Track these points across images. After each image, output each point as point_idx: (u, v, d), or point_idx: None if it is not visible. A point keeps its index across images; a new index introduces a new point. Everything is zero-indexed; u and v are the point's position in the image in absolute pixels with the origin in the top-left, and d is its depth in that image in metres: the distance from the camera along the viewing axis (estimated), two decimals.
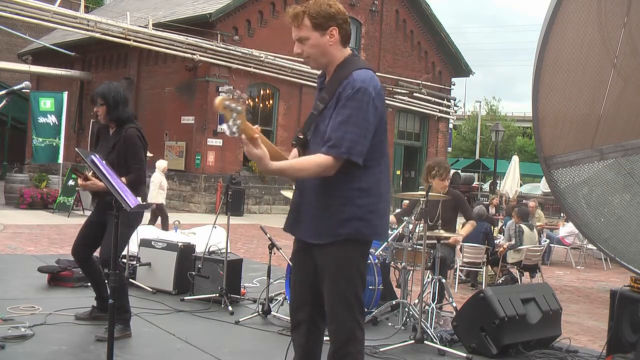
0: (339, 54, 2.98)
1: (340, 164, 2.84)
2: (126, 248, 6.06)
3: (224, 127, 2.61)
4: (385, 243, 6.15)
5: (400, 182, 24.96)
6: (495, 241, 9.84)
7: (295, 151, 3.06)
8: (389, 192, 3.07)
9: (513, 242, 9.33)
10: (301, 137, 3.05)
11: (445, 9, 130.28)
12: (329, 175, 2.86)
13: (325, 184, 2.92)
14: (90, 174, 4.70)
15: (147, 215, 12.15)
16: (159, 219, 12.17)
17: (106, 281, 4.63)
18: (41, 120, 16.00)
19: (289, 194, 5.14)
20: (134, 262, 6.72)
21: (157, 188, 12.28)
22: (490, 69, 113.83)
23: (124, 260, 6.46)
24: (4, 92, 4.44)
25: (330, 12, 2.91)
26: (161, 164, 12.73)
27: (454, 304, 5.95)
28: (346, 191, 2.91)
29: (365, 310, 5.80)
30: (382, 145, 2.98)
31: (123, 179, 4.72)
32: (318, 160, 2.84)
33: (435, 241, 5.77)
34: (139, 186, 4.90)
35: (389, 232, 6.27)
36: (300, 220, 3.04)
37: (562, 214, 17.41)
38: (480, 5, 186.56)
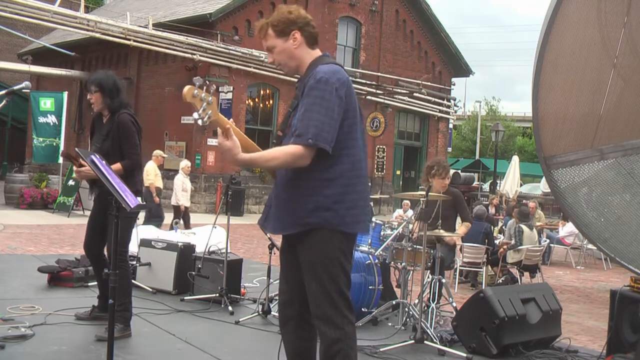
0: (307, 56, 3.07)
1: (311, 153, 2.87)
2: (132, 241, 5.99)
3: (195, 115, 2.75)
4: (385, 243, 6.15)
5: (400, 182, 24.96)
6: (495, 241, 9.83)
7: None
8: (363, 184, 3.06)
9: (513, 242, 9.33)
10: (280, 134, 3.12)
11: (445, 9, 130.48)
12: (303, 165, 2.89)
13: (294, 176, 2.96)
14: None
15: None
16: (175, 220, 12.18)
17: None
18: (41, 120, 16.02)
19: None
20: (134, 262, 6.71)
21: (181, 190, 12.24)
22: (489, 69, 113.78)
23: (132, 256, 6.30)
24: (4, 92, 4.44)
25: (290, 17, 3.03)
26: (183, 164, 12.61)
27: (454, 304, 5.95)
28: (313, 181, 2.93)
29: (365, 310, 5.80)
30: (351, 136, 2.99)
31: (119, 164, 4.74)
32: (288, 149, 2.89)
33: (435, 240, 5.78)
34: (134, 171, 4.91)
35: (390, 231, 6.26)
36: (272, 214, 3.07)
37: (562, 214, 17.39)
38: (480, 6, 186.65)
